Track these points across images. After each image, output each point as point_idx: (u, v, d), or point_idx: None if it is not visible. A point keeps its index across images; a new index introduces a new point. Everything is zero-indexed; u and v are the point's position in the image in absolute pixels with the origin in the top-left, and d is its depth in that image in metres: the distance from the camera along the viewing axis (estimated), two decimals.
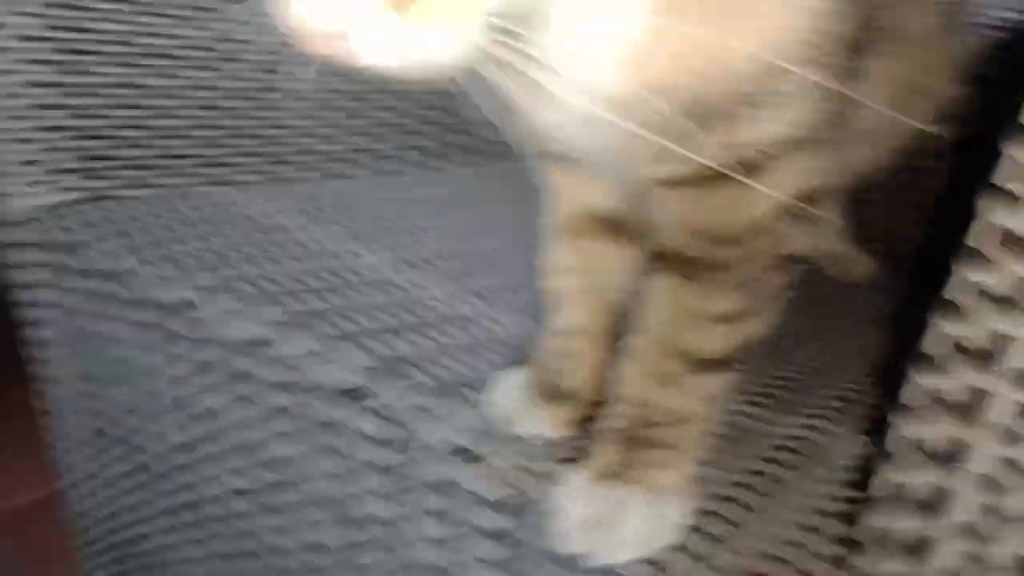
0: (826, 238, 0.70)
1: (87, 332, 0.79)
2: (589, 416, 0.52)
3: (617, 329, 0.53)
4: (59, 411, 0.89)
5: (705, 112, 0.39)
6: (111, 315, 0.74)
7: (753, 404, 0.59)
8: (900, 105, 0.54)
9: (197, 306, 0.66)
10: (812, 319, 0.67)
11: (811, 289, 0.53)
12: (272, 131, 0.97)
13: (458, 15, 0.33)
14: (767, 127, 0.41)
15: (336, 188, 0.99)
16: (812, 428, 0.59)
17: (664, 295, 0.46)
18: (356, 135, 1.06)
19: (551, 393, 0.54)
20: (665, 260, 0.46)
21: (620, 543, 0.44)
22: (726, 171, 0.39)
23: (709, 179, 0.41)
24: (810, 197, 0.43)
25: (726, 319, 0.45)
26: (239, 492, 0.69)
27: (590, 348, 0.54)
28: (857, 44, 0.43)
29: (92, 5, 0.81)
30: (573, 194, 0.53)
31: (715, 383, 0.47)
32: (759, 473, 0.53)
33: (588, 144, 0.44)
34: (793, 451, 0.56)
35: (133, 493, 0.83)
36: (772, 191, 0.42)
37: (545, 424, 0.53)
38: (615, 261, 0.53)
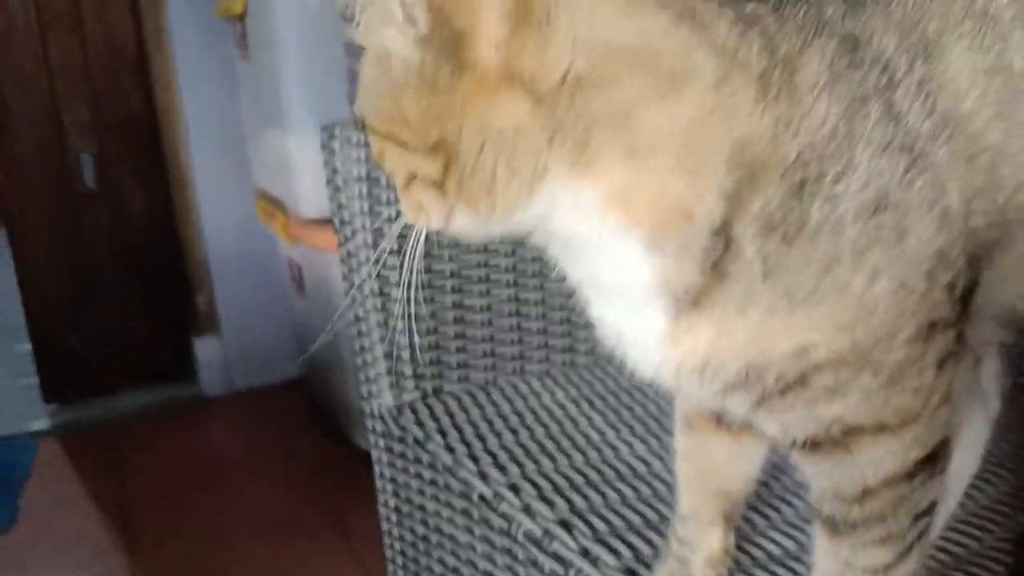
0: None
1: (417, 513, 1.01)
2: None
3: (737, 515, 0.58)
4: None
5: (773, 393, 0.45)
6: (438, 500, 0.95)
7: None
8: None
9: (502, 498, 0.84)
10: None
11: None
12: (563, 324, 1.16)
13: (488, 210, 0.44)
14: (836, 410, 0.45)
15: (618, 378, 1.15)
16: None
17: (819, 547, 0.52)
18: None
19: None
20: (819, 520, 0.51)
21: None
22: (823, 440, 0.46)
23: (807, 447, 0.47)
24: (928, 460, 0.48)
25: (874, 572, 0.50)
26: None
27: (703, 534, 0.61)
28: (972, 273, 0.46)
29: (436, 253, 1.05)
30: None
31: None
32: None
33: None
34: None
35: None
36: (877, 462, 0.47)
37: None
38: (727, 451, 0.59)
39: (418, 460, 0.98)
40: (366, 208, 1.01)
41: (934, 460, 0.49)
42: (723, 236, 0.44)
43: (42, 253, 2.40)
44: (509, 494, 0.83)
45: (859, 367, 0.45)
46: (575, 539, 0.75)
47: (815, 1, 0.48)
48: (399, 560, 1.09)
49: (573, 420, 0.99)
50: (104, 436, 2.29)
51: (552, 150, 0.43)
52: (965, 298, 0.48)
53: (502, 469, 0.88)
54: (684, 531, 0.65)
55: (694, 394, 0.51)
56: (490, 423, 0.98)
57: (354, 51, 1.86)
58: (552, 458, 0.90)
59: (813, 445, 0.48)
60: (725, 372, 0.47)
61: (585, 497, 0.82)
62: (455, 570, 0.95)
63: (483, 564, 0.88)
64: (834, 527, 0.51)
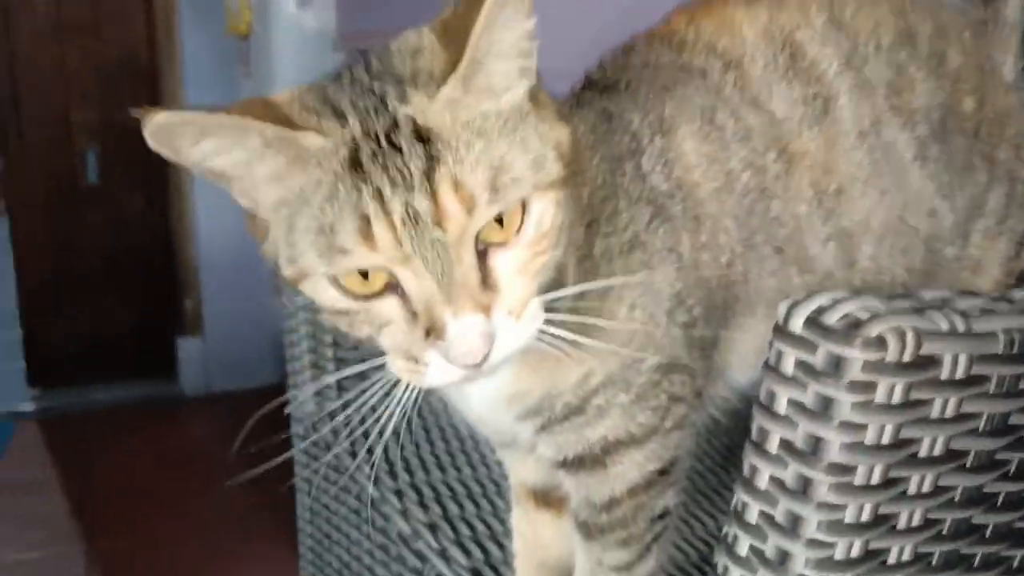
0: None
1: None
2: None
3: None
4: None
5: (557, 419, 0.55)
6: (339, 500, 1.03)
7: None
8: None
9: (387, 501, 0.92)
10: None
11: None
12: None
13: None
14: (601, 431, 0.55)
15: None
16: None
17: (577, 550, 0.62)
18: None
19: None
20: (576, 525, 0.61)
21: None
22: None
23: (573, 464, 0.57)
24: (661, 473, 0.57)
25: (618, 568, 0.59)
26: None
27: None
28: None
29: None
30: (513, 468, 0.69)
31: None
32: None
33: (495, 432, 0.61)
34: None
35: None
36: (624, 474, 0.56)
37: None
38: (548, 528, 0.68)
39: (339, 484, 1.05)
40: None
41: (667, 474, 0.58)
42: None
43: (40, 244, 2.51)
44: (393, 498, 0.92)
45: (620, 387, 0.54)
46: (438, 540, 0.83)
47: (574, 91, 0.58)
48: (308, 556, 1.17)
49: (461, 439, 1.07)
50: (80, 424, 2.39)
51: None
52: (705, 351, 0.56)
53: (394, 477, 0.96)
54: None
55: (494, 419, 0.59)
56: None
57: None
58: (441, 469, 0.98)
59: (579, 463, 0.57)
60: (526, 401, 0.55)
61: (459, 505, 0.90)
62: (347, 565, 1.03)
63: (367, 559, 0.97)
64: (587, 531, 0.60)
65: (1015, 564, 0.52)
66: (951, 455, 0.45)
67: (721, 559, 0.47)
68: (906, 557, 0.47)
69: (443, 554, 0.83)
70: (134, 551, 1.82)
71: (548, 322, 0.48)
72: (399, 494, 0.93)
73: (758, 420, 0.45)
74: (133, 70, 2.50)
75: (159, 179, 2.54)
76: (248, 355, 2.55)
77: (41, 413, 2.47)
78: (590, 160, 0.53)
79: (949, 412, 0.44)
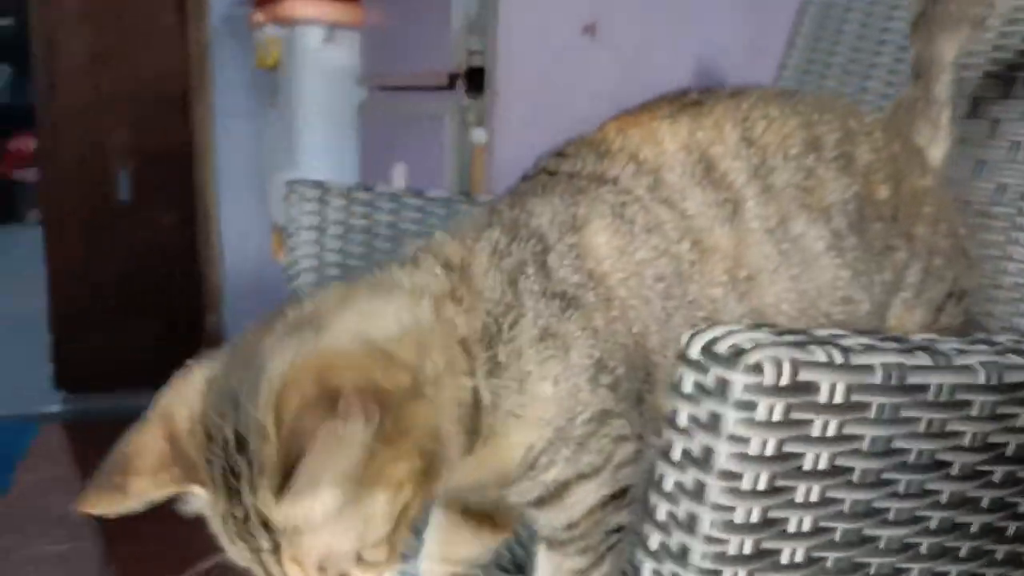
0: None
1: None
2: None
3: None
4: None
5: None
6: None
7: None
8: None
9: None
10: None
11: None
12: None
13: None
14: (552, 476, 0.64)
15: None
16: None
17: (540, 556, 0.69)
18: None
19: None
20: (540, 538, 0.68)
21: None
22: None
23: (535, 504, 0.66)
24: (614, 497, 0.65)
25: (575, 572, 0.67)
26: None
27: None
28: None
29: None
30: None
31: None
32: None
33: None
34: None
35: None
36: (580, 501, 0.64)
37: None
38: (470, 533, 0.75)
39: None
40: (312, 252, 1.20)
41: (620, 498, 0.66)
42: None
43: (73, 255, 2.64)
44: None
45: (560, 445, 0.64)
46: None
47: (493, 201, 0.69)
48: None
49: None
50: (103, 428, 2.48)
51: None
52: (637, 402, 0.65)
53: None
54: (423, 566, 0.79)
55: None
56: None
57: (365, 116, 2.08)
58: None
59: (540, 502, 0.66)
60: (486, 487, 0.66)
61: None
62: None
63: None
64: (550, 544, 0.68)
65: None
66: (836, 470, 0.52)
67: (638, 554, 0.55)
68: (799, 559, 0.53)
69: None
70: (148, 551, 1.91)
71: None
72: None
73: (665, 433, 0.52)
74: (165, 97, 2.63)
75: (188, 199, 2.66)
76: None
77: (66, 416, 2.58)
78: (488, 282, 0.63)
79: (830, 432, 0.51)
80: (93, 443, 2.35)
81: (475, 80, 1.60)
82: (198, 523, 2.07)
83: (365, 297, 0.62)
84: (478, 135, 1.57)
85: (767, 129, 0.67)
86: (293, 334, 0.58)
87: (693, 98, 0.69)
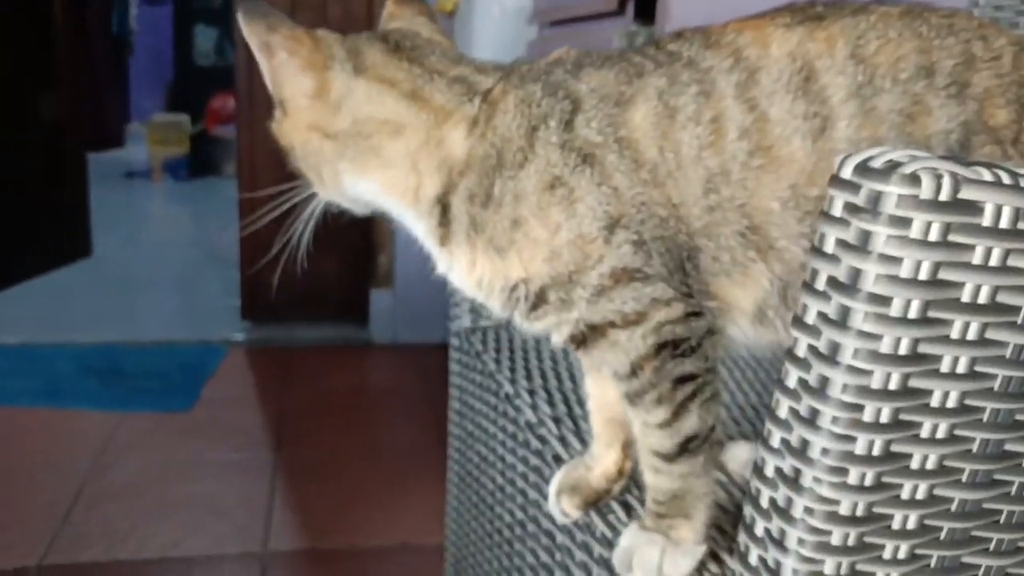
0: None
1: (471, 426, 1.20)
2: (600, 499, 0.80)
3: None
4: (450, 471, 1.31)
5: (531, 307, 0.69)
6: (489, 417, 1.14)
7: None
8: None
9: (544, 424, 1.02)
10: None
11: None
12: None
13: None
14: (575, 315, 0.67)
15: None
16: None
17: (630, 419, 0.70)
18: None
19: (572, 486, 0.81)
20: (619, 395, 0.70)
21: (648, 570, 0.69)
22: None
23: (576, 341, 0.68)
24: (664, 346, 0.65)
25: (660, 426, 0.67)
26: None
27: (603, 453, 0.81)
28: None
29: None
30: None
31: (685, 467, 0.68)
32: None
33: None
34: None
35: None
36: (624, 348, 0.66)
37: (569, 507, 0.81)
38: (612, 388, 0.75)
39: (482, 386, 1.17)
40: None
41: (674, 347, 0.66)
42: (440, 204, 0.72)
43: (260, 201, 2.81)
44: (526, 395, 1.01)
45: (570, 287, 0.67)
46: (559, 429, 0.92)
47: (550, 66, 0.71)
48: (455, 455, 1.29)
49: None
50: (282, 356, 2.68)
51: (343, 162, 0.73)
52: (680, 271, 0.66)
53: (529, 379, 1.06)
54: (593, 447, 0.83)
55: (491, 307, 0.74)
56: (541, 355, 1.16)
57: (535, 51, 2.10)
58: (572, 379, 1.07)
59: (580, 341, 0.69)
60: (494, 289, 0.71)
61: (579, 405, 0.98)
62: (484, 458, 1.14)
63: (500, 449, 1.07)
64: (628, 398, 0.69)
65: None
66: (998, 307, 0.48)
67: (772, 414, 0.53)
68: (951, 404, 0.50)
69: (562, 440, 0.91)
70: (314, 462, 2.05)
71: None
72: (531, 392, 1.02)
73: (811, 263, 0.50)
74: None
75: None
76: (431, 311, 2.75)
77: (250, 343, 2.78)
78: (507, 120, 0.69)
79: (993, 261, 0.47)
80: (272, 368, 2.57)
81: (647, 9, 1.58)
82: (355, 436, 2.20)
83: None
84: None
85: (880, 49, 0.64)
86: None
87: (817, 11, 0.67)
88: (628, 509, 0.80)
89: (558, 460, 0.89)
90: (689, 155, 0.65)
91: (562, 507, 0.82)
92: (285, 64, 0.71)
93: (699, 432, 0.68)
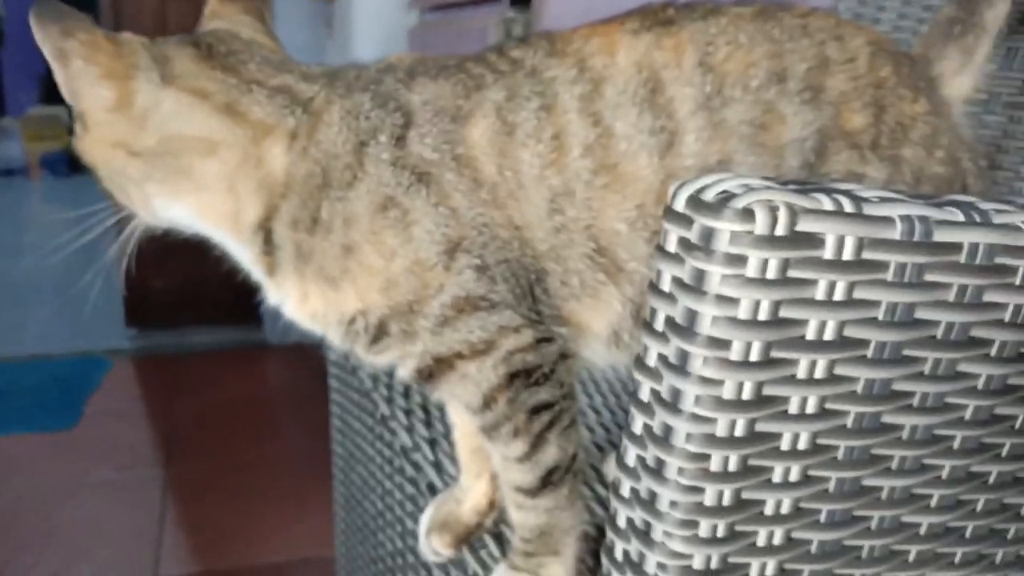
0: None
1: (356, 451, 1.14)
2: (471, 534, 0.76)
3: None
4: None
5: (371, 340, 0.64)
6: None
7: None
8: None
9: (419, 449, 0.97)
10: None
11: None
12: None
13: None
14: (419, 348, 0.62)
15: None
16: None
17: (489, 450, 0.66)
18: None
19: (442, 523, 0.77)
20: (478, 431, 0.66)
21: None
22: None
23: (423, 376, 0.64)
24: (516, 376, 0.62)
25: (520, 460, 0.63)
26: None
27: (471, 485, 0.77)
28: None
29: None
30: None
31: (549, 501, 0.64)
32: None
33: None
34: None
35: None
36: (474, 379, 0.62)
37: (439, 546, 0.77)
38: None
39: (359, 405, 1.11)
40: None
41: (525, 376, 0.62)
42: (263, 230, 0.65)
43: None
44: (402, 416, 0.96)
45: (412, 317, 0.62)
46: (434, 453, 0.87)
47: (380, 73, 0.65)
48: (339, 476, 1.23)
49: None
50: (171, 364, 2.55)
51: (151, 184, 0.65)
52: (528, 296, 0.63)
53: (407, 397, 1.00)
54: (462, 478, 0.79)
55: (330, 340, 0.68)
56: None
57: (415, 38, 2.03)
58: None
59: (427, 375, 0.64)
60: (330, 323, 0.66)
61: None
62: (366, 481, 1.09)
63: (379, 474, 1.02)
64: (485, 432, 0.65)
65: (944, 474, 0.52)
66: (846, 342, 0.45)
67: (624, 437, 0.49)
68: (803, 445, 0.47)
69: (436, 465, 0.87)
70: (207, 478, 1.95)
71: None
72: (408, 412, 0.97)
73: (649, 300, 0.46)
74: None
75: None
76: None
77: (136, 352, 2.65)
78: (331, 135, 0.63)
79: (838, 295, 0.43)
80: (158, 377, 2.43)
81: None
82: (251, 446, 2.09)
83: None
84: None
85: (730, 55, 0.60)
86: None
87: (668, 15, 0.63)
88: (501, 541, 0.76)
89: (432, 489, 0.85)
90: (531, 174, 0.61)
91: (433, 547, 0.77)
92: (82, 72, 0.63)
93: (560, 462, 0.64)
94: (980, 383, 0.49)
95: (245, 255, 0.68)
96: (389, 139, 0.62)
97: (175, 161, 0.64)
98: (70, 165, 5.13)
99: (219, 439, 2.13)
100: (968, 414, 0.50)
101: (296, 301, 0.67)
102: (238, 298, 2.91)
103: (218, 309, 2.72)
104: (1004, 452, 0.53)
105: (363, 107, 0.63)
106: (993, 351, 0.48)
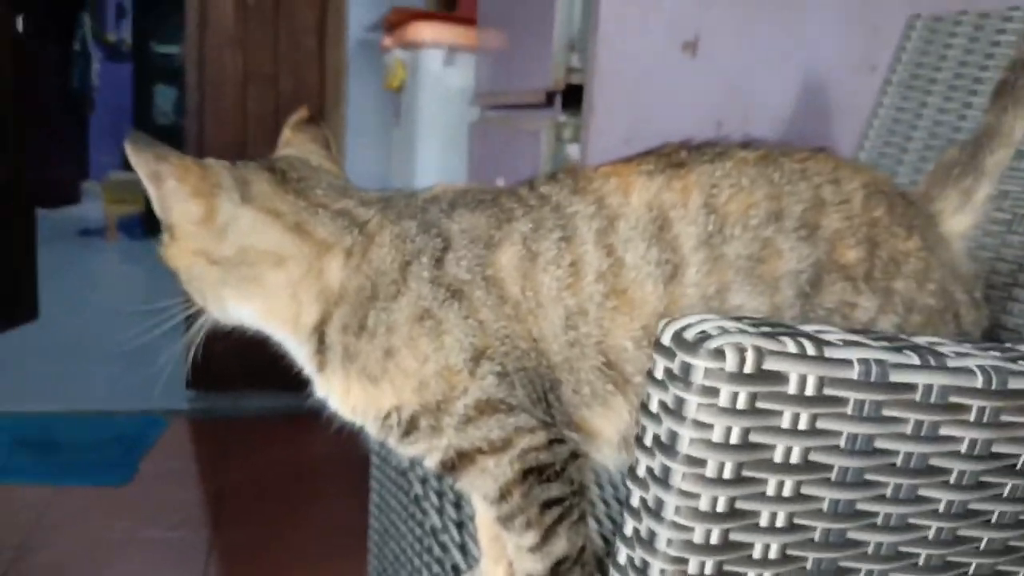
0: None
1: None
2: None
3: None
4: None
5: (402, 433, 0.71)
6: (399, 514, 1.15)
7: None
8: None
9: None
10: None
11: None
12: None
13: None
14: (444, 442, 0.70)
15: None
16: None
17: (505, 539, 0.73)
18: None
19: None
20: (494, 521, 0.73)
21: None
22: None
23: (447, 467, 0.71)
24: (529, 473, 0.69)
25: (531, 549, 0.70)
26: None
27: (491, 569, 0.82)
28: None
29: None
30: None
31: None
32: None
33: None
34: None
35: None
36: (492, 474, 0.69)
37: None
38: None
39: (396, 483, 1.18)
40: None
41: (538, 473, 0.70)
42: (318, 333, 0.75)
43: None
44: (434, 497, 1.03)
45: (438, 415, 0.70)
46: (460, 535, 0.94)
47: (427, 203, 0.76)
48: (375, 549, 1.30)
49: None
50: (223, 427, 2.66)
51: (226, 288, 0.76)
52: (543, 401, 0.70)
53: (440, 479, 1.07)
54: (482, 563, 0.86)
55: (369, 432, 0.76)
56: None
57: (476, 132, 2.15)
58: None
59: (451, 467, 0.72)
60: (368, 416, 0.74)
61: None
62: (397, 557, 1.15)
63: (409, 551, 1.08)
64: (501, 522, 0.72)
65: None
66: (811, 465, 0.51)
67: (617, 539, 0.55)
68: (773, 555, 0.53)
69: (462, 548, 0.93)
70: (250, 542, 2.03)
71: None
72: (440, 495, 1.04)
73: (640, 418, 0.53)
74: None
75: None
76: None
77: (193, 413, 2.76)
78: (381, 254, 0.73)
79: (802, 425, 0.50)
80: (214, 439, 2.52)
81: (575, 97, 1.63)
82: (293, 513, 2.16)
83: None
84: (572, 151, 1.60)
85: (732, 197, 0.68)
86: None
87: (680, 158, 0.71)
88: None
89: (456, 571, 0.91)
90: (549, 295, 0.69)
91: None
92: (174, 191, 0.74)
93: (568, 554, 0.71)
94: (941, 507, 0.55)
95: (301, 353, 0.77)
96: (430, 260, 0.71)
97: (248, 270, 0.74)
98: (145, 228, 5.41)
99: (265, 503, 2.21)
100: (931, 534, 0.55)
101: (340, 395, 0.75)
102: (290, 366, 3.03)
103: (274, 375, 2.83)
104: (971, 571, 0.58)
105: (410, 232, 0.73)
106: (952, 479, 0.54)
